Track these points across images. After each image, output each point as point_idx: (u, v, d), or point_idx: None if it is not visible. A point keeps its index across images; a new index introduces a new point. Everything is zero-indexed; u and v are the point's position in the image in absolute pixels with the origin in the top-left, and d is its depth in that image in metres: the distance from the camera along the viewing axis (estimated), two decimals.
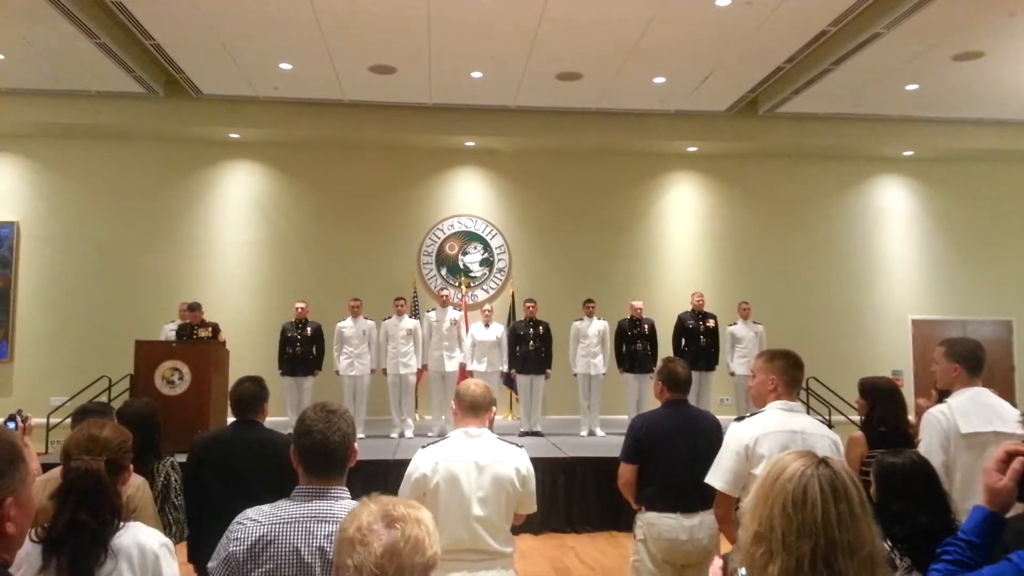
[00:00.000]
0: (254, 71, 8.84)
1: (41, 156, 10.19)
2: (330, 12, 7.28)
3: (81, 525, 1.85)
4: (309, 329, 8.78)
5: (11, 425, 3.56)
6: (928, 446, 3.02)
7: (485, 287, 10.76)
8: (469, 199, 10.85)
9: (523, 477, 2.90)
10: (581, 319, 9.06)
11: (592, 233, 10.72)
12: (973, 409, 3.08)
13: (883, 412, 3.77)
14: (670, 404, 3.60)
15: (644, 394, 8.54)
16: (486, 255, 10.78)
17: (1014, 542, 1.57)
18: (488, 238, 10.79)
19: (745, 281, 10.60)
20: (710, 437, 3.33)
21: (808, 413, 3.20)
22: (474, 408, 2.95)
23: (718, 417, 3.66)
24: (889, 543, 2.19)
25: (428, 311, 9.28)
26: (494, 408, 3.12)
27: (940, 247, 11.18)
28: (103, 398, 8.46)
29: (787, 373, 2.96)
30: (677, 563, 3.41)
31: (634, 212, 10.91)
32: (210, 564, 1.94)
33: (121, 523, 1.93)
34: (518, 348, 8.81)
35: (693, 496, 3.26)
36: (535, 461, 3.06)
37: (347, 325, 8.77)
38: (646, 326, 8.97)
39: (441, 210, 10.77)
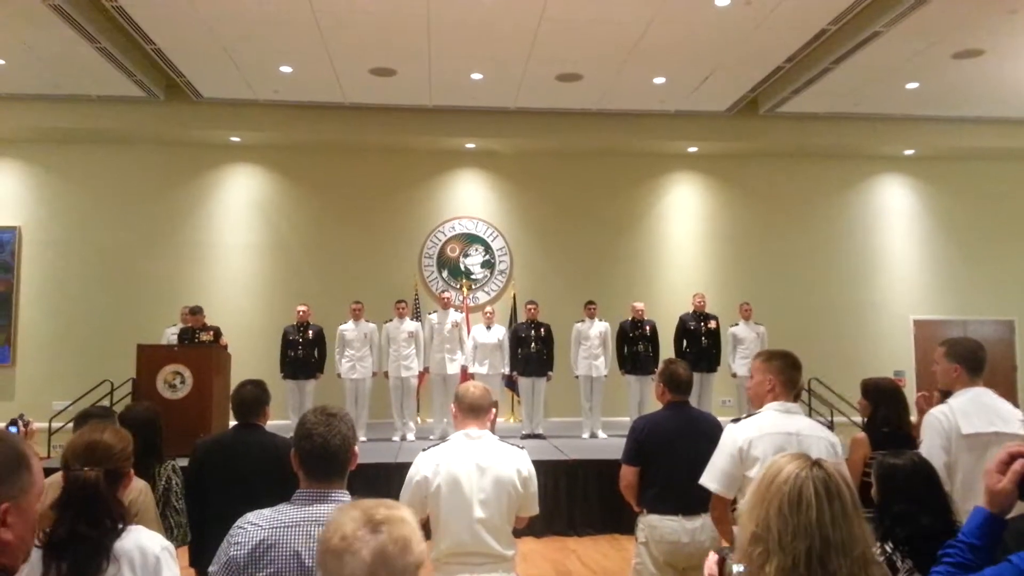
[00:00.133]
0: (254, 74, 8.86)
1: (42, 161, 10.21)
2: (330, 14, 7.29)
3: (81, 537, 1.86)
4: (311, 332, 8.79)
5: (13, 429, 3.56)
6: (929, 447, 3.01)
7: (486, 289, 10.76)
8: (470, 201, 10.85)
9: (524, 478, 2.89)
10: (582, 321, 9.06)
11: (593, 234, 10.72)
12: (974, 410, 3.07)
13: (886, 413, 3.76)
14: (672, 406, 3.59)
15: (646, 396, 8.54)
16: (487, 257, 10.78)
17: (1015, 543, 1.57)
18: (489, 240, 10.79)
19: (746, 282, 10.59)
20: (712, 439, 3.31)
21: (810, 414, 3.20)
22: (474, 410, 2.95)
23: (720, 419, 3.65)
24: (891, 545, 2.18)
25: (430, 313, 9.28)
26: (494, 410, 3.12)
27: (941, 246, 11.16)
28: (105, 402, 8.47)
29: (784, 373, 2.94)
30: (679, 565, 3.40)
31: (635, 213, 10.91)
32: (211, 568, 1.94)
33: (123, 527, 1.94)
34: (520, 350, 8.80)
35: (695, 498, 3.25)
36: (537, 464, 3.05)
37: (349, 328, 8.77)
38: (647, 327, 8.96)
39: (442, 212, 10.78)
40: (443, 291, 9.80)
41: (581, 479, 7.12)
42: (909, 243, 11.19)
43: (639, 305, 9.07)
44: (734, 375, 9.30)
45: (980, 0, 6.90)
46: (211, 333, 8.12)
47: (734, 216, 11.00)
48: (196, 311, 8.44)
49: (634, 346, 8.91)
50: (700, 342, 9.04)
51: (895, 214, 11.22)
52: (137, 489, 2.70)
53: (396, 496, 2.81)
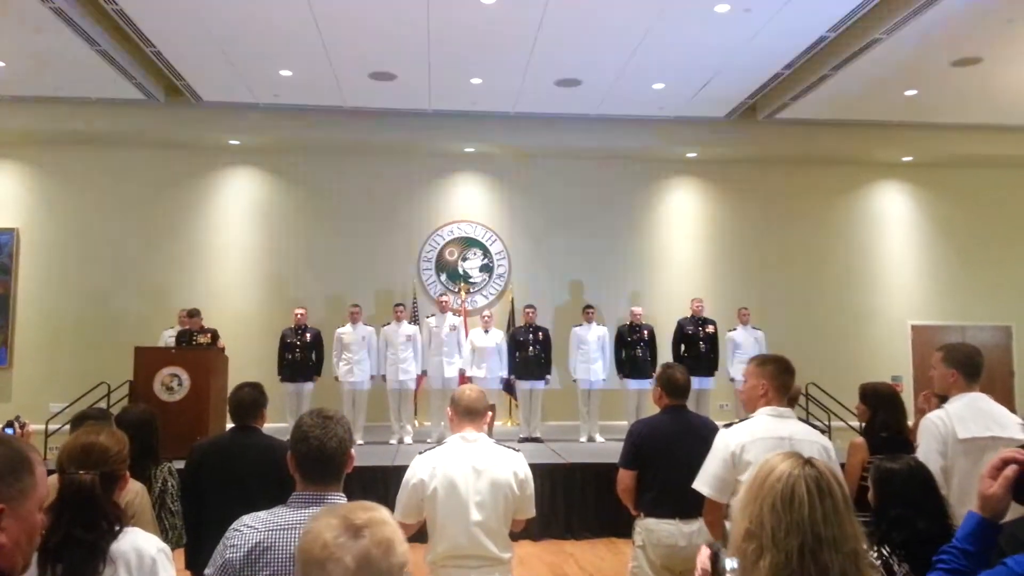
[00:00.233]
0: (254, 78, 8.87)
1: (41, 162, 10.20)
2: (330, 19, 7.30)
3: (76, 541, 1.86)
4: (308, 335, 8.79)
5: (9, 431, 3.56)
6: (926, 451, 3.02)
7: (484, 293, 10.75)
8: (469, 205, 10.85)
9: (521, 481, 2.89)
10: (580, 325, 9.06)
11: (592, 239, 10.72)
12: (970, 415, 3.08)
13: (884, 417, 3.78)
14: (669, 410, 3.60)
15: (643, 400, 8.54)
16: (486, 261, 10.78)
17: (1009, 546, 1.57)
18: (488, 244, 10.80)
19: (744, 287, 10.60)
20: (709, 443, 3.32)
21: (808, 419, 3.20)
22: (470, 413, 2.95)
23: (718, 423, 3.65)
24: (887, 548, 2.18)
25: (427, 317, 9.28)
26: (491, 413, 3.12)
27: (939, 252, 11.18)
28: (102, 404, 8.45)
29: (777, 378, 2.95)
30: (676, 569, 3.40)
31: (633, 217, 10.91)
32: (207, 571, 1.94)
33: (119, 529, 1.93)
34: (518, 354, 8.81)
35: (692, 502, 3.24)
36: (534, 467, 3.05)
37: (346, 331, 8.77)
38: (646, 332, 8.97)
39: (441, 216, 10.78)
40: (441, 295, 9.80)
41: (578, 483, 7.11)
42: (907, 249, 11.21)
43: (637, 310, 9.07)
44: (732, 380, 9.30)
45: (978, 8, 6.93)
46: (209, 336, 8.11)
47: (732, 221, 11.01)
48: (194, 313, 8.43)
49: (632, 350, 8.92)
50: (698, 347, 9.05)
51: (893, 220, 11.24)
52: (133, 491, 2.69)
53: (393, 499, 2.81)
